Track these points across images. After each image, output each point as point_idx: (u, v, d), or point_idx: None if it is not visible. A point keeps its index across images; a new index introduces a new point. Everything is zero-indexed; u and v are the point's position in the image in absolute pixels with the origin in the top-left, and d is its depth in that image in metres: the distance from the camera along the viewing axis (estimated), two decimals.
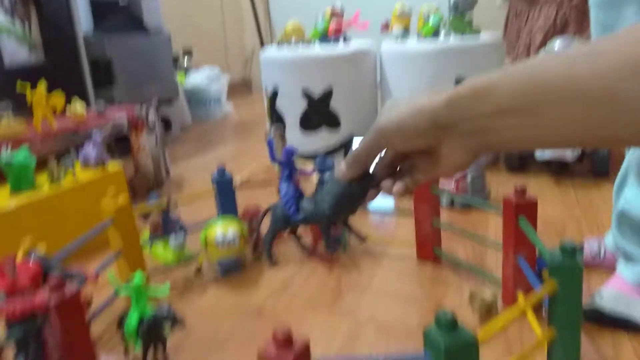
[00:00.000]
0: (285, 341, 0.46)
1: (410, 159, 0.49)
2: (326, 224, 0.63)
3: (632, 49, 0.33)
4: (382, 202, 1.39)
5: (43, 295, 0.58)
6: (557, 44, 1.47)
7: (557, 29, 2.18)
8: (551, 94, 0.36)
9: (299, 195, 0.67)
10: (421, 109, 0.43)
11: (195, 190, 1.05)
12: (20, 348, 0.64)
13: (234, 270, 1.03)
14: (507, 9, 2.60)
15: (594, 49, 0.36)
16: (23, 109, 1.28)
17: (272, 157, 0.67)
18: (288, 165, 0.67)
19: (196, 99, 2.73)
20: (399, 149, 0.47)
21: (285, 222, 0.87)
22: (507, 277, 0.85)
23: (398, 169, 0.52)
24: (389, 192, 0.50)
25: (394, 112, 0.45)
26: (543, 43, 2.14)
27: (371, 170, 0.52)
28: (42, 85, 1.25)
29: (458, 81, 1.52)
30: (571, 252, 0.60)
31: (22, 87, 1.22)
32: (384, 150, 0.50)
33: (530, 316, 0.76)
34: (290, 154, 0.66)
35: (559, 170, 1.49)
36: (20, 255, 0.69)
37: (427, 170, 0.47)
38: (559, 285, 0.60)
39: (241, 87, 3.76)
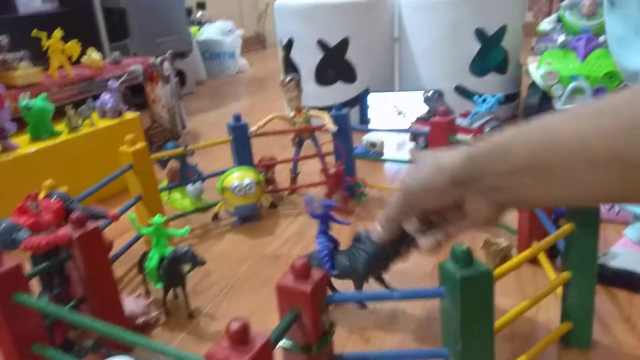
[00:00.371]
0: (302, 272, 0.47)
1: (442, 212, 0.50)
2: (359, 281, 0.66)
3: (634, 111, 0.32)
4: (398, 154, 1.39)
5: (66, 230, 0.60)
6: None
7: None
8: (560, 154, 0.36)
9: (334, 246, 0.69)
10: (442, 167, 0.44)
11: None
12: (44, 282, 0.66)
13: (250, 218, 1.05)
14: None
15: (600, 108, 0.35)
16: (39, 57, 1.28)
17: (311, 213, 0.68)
18: (326, 219, 0.68)
19: (210, 53, 2.71)
20: (428, 207, 0.48)
21: None
22: (523, 226, 0.85)
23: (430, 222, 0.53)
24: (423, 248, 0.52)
25: (420, 172, 0.47)
26: None
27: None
28: (58, 33, 1.25)
29: (478, 33, 1.48)
30: None
31: (38, 34, 1.22)
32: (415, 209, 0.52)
33: (544, 260, 0.77)
34: (328, 208, 0.67)
35: None
36: (42, 194, 0.70)
37: (459, 224, 0.48)
38: (576, 227, 0.60)
39: (255, 43, 3.71)
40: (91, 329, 0.48)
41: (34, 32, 1.20)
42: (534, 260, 0.79)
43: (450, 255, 0.48)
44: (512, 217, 0.93)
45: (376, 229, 0.53)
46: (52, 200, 0.69)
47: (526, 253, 0.59)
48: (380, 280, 0.69)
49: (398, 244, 0.56)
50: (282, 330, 0.45)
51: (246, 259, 0.92)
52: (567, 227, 0.61)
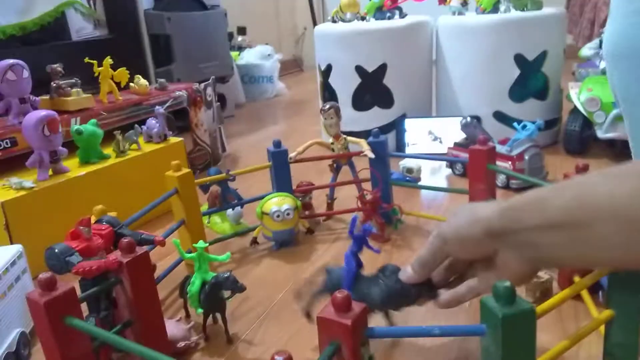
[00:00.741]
0: (343, 305, 0.48)
1: (472, 266, 0.51)
2: (372, 309, 0.65)
3: None
4: (434, 180, 1.38)
5: (116, 255, 0.63)
6: None
7: None
8: (594, 212, 0.36)
9: (359, 269, 0.69)
10: (478, 218, 0.45)
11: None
12: (92, 306, 0.69)
13: (287, 243, 1.06)
14: None
15: (629, 170, 0.36)
16: (89, 82, 1.34)
17: (351, 231, 0.69)
18: (360, 242, 0.69)
19: (249, 76, 2.77)
20: (460, 257, 0.49)
21: (335, 290, 0.90)
22: None
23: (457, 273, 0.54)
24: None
25: (454, 222, 0.47)
26: None
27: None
28: (108, 61, 1.31)
29: (517, 58, 1.47)
30: None
31: (90, 62, 1.28)
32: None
33: (586, 296, 0.75)
34: (367, 232, 0.68)
35: (622, 150, 1.43)
36: (93, 219, 0.74)
37: (487, 279, 0.48)
38: None
39: (292, 66, 3.78)
40: (136, 354, 0.50)
41: (86, 59, 1.27)
42: (575, 295, 0.77)
43: (493, 292, 0.48)
44: None
45: (407, 270, 0.54)
46: (103, 225, 0.72)
47: (569, 290, 0.58)
48: (387, 316, 0.69)
49: (420, 290, 0.56)
50: None
51: (283, 284, 0.93)
52: None
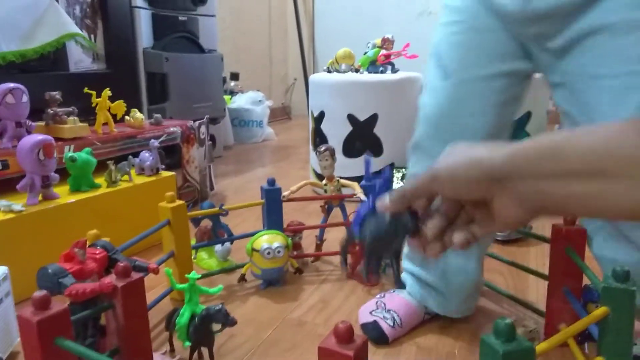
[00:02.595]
0: (346, 336, 0.48)
1: (466, 211, 0.47)
2: (368, 253, 0.63)
3: None
4: None
5: (111, 279, 0.62)
6: None
7: None
8: (624, 162, 0.35)
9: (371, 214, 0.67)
10: (478, 159, 0.42)
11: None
12: (78, 331, 0.67)
13: (275, 282, 1.05)
14: None
15: None
16: (84, 113, 1.35)
17: (367, 175, 0.69)
18: (368, 166, 0.67)
19: (239, 120, 2.81)
20: (450, 196, 0.46)
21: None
22: (551, 309, 0.84)
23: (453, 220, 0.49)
24: (450, 244, 0.48)
25: (449, 160, 0.44)
26: None
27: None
28: (106, 93, 1.32)
29: None
30: (624, 277, 0.60)
31: (89, 92, 1.29)
32: (439, 197, 0.49)
33: (573, 345, 0.76)
34: (368, 159, 0.66)
35: None
36: (88, 242, 0.73)
37: (485, 224, 0.46)
38: (611, 310, 0.60)
39: (281, 113, 3.85)
40: None
41: (86, 90, 1.28)
42: (562, 345, 0.78)
43: (493, 330, 0.49)
44: (540, 299, 0.93)
45: (384, 199, 0.50)
46: (97, 249, 0.71)
47: (559, 336, 0.59)
48: (395, 261, 0.64)
49: (404, 222, 0.51)
50: None
51: (271, 323, 0.92)
52: (601, 311, 0.61)
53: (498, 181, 0.41)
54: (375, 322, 0.85)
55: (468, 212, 0.48)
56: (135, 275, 0.63)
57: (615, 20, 0.62)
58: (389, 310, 0.86)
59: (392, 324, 0.84)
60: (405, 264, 0.92)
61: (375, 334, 0.84)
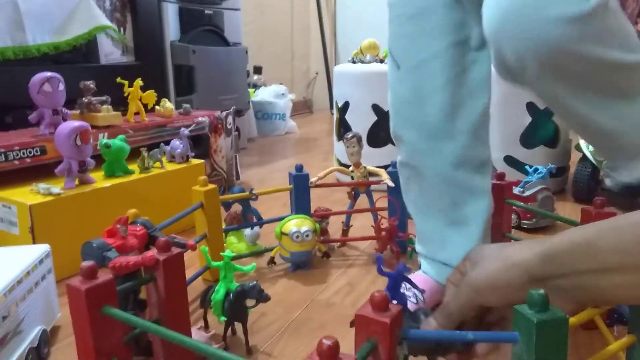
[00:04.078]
0: (382, 304, 0.50)
1: (502, 314, 0.48)
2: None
3: None
4: None
5: (153, 252, 0.64)
6: None
7: None
8: None
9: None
10: (515, 263, 0.42)
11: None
12: (120, 303, 0.70)
13: (303, 265, 1.07)
14: None
15: None
16: (115, 103, 1.38)
17: (380, 270, 0.69)
18: (396, 282, 0.68)
19: (263, 113, 2.84)
20: (494, 304, 0.46)
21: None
22: None
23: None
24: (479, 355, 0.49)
25: (485, 268, 0.44)
26: None
27: None
28: (138, 82, 1.36)
29: (529, 106, 1.53)
30: None
31: (122, 82, 1.33)
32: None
33: (603, 326, 0.76)
34: (401, 271, 0.67)
35: (630, 200, 1.46)
36: (129, 220, 0.76)
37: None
38: None
39: (303, 107, 3.87)
40: (180, 344, 0.51)
41: (118, 79, 1.32)
42: (590, 328, 0.78)
43: (527, 300, 0.50)
44: None
45: (430, 323, 0.51)
46: (137, 226, 0.74)
47: (587, 312, 0.59)
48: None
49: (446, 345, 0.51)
50: (362, 357, 0.47)
51: (300, 304, 0.94)
52: None
53: (540, 282, 0.42)
54: (402, 300, 0.86)
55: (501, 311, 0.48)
56: (175, 250, 0.66)
57: None
58: (410, 288, 0.87)
59: (415, 301, 0.85)
60: (417, 247, 0.93)
61: None
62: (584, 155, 1.47)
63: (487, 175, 0.86)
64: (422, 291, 0.82)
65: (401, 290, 0.68)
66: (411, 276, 0.93)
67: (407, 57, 0.78)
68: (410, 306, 0.83)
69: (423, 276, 0.91)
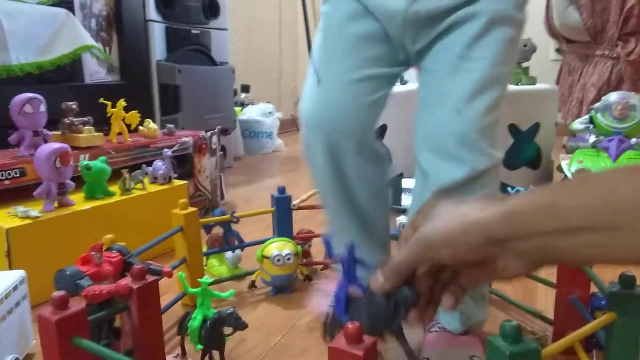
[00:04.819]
0: (355, 336, 0.49)
1: (455, 268, 0.47)
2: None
3: None
4: None
5: (127, 281, 0.63)
6: (613, 97, 1.49)
7: (611, 85, 2.19)
8: (622, 213, 0.36)
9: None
10: (473, 222, 0.41)
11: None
12: (93, 332, 0.69)
13: (285, 289, 1.07)
14: (560, 64, 2.63)
15: None
16: (98, 123, 1.38)
17: (330, 254, 0.68)
18: (348, 266, 0.67)
19: (250, 131, 2.85)
20: (447, 262, 0.44)
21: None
22: (559, 317, 0.85)
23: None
24: (439, 306, 0.48)
25: (441, 223, 0.43)
26: (597, 99, 2.16)
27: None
28: (121, 103, 1.36)
29: (511, 128, 1.55)
30: (630, 282, 0.61)
31: (105, 102, 1.33)
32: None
33: (580, 351, 0.76)
34: (352, 254, 0.66)
35: None
36: (104, 246, 0.75)
37: (476, 279, 0.46)
38: (618, 316, 0.61)
39: (290, 125, 3.88)
40: None
41: (101, 100, 1.31)
42: (569, 353, 0.78)
43: (500, 332, 0.50)
44: (548, 307, 0.94)
45: (377, 278, 0.48)
46: (113, 253, 0.73)
47: (565, 340, 0.59)
48: (400, 337, 0.60)
49: (402, 299, 0.48)
50: None
51: (281, 329, 0.93)
52: (607, 317, 0.62)
53: (499, 242, 0.40)
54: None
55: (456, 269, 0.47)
56: (149, 278, 0.65)
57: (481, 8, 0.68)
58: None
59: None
60: None
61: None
62: (566, 177, 1.48)
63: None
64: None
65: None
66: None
67: (331, 75, 0.76)
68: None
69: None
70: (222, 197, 1.72)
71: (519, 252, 0.40)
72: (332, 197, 0.82)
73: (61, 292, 0.56)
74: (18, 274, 0.81)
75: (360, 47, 0.74)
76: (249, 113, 2.86)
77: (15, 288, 0.78)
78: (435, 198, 0.47)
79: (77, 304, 0.58)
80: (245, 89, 3.04)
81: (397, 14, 0.70)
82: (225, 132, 2.30)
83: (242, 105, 2.94)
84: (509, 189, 1.37)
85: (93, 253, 0.69)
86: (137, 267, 0.64)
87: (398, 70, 0.78)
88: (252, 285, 1.08)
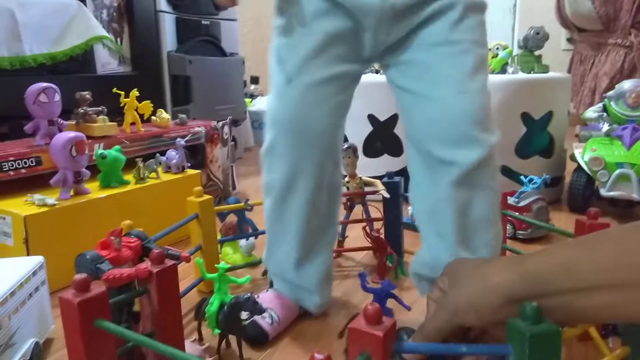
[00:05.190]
0: (375, 318, 0.50)
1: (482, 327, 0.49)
2: None
3: None
4: None
5: (147, 265, 0.64)
6: (627, 84, 1.47)
7: (624, 74, 2.17)
8: (634, 273, 0.37)
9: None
10: (493, 285, 0.43)
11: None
12: (114, 316, 0.70)
13: None
14: (572, 53, 2.61)
15: None
16: (111, 113, 1.39)
17: (364, 287, 0.69)
18: (379, 298, 0.68)
19: (259, 122, 2.85)
20: (474, 325, 0.47)
21: None
22: None
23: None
24: None
25: (463, 289, 0.45)
26: (609, 88, 2.14)
27: None
28: (134, 93, 1.36)
29: (524, 116, 1.54)
30: None
31: (118, 92, 1.34)
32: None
33: (598, 338, 0.76)
34: (386, 288, 0.67)
35: (624, 210, 1.47)
36: (123, 232, 0.75)
37: (502, 337, 0.47)
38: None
39: None
40: (172, 358, 0.51)
41: (114, 90, 1.32)
42: (585, 338, 0.78)
43: (519, 314, 0.50)
44: None
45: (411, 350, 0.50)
46: (131, 238, 0.74)
47: (577, 329, 0.59)
48: None
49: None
50: None
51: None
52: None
53: (520, 302, 0.42)
54: (253, 321, 0.83)
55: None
56: (168, 262, 0.66)
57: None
58: (266, 309, 0.84)
59: (270, 322, 0.84)
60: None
61: (255, 333, 0.82)
62: (579, 166, 1.48)
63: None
64: (407, 308, 0.81)
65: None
66: (261, 295, 0.90)
67: (302, 74, 0.73)
68: (266, 327, 0.82)
69: (274, 294, 0.89)
70: (234, 187, 1.73)
71: (545, 309, 0.42)
72: (277, 211, 0.81)
73: (83, 275, 0.57)
74: (37, 259, 0.82)
75: (330, 44, 0.72)
76: (259, 104, 2.86)
77: (34, 273, 0.79)
78: (457, 259, 0.50)
79: (98, 287, 0.58)
80: (255, 80, 3.04)
81: (373, 8, 0.68)
82: (235, 123, 2.31)
83: (252, 96, 2.94)
84: (522, 177, 1.37)
85: (112, 238, 0.70)
86: (156, 251, 0.65)
87: (363, 68, 0.78)
88: (266, 272, 1.08)
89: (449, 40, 0.69)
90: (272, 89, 0.78)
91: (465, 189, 0.72)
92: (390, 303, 0.77)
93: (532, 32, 1.61)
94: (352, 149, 1.11)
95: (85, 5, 1.65)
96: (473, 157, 0.69)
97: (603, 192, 1.41)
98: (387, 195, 1.07)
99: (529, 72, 1.58)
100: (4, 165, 1.07)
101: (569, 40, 2.79)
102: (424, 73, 0.71)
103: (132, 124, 1.39)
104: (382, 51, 0.74)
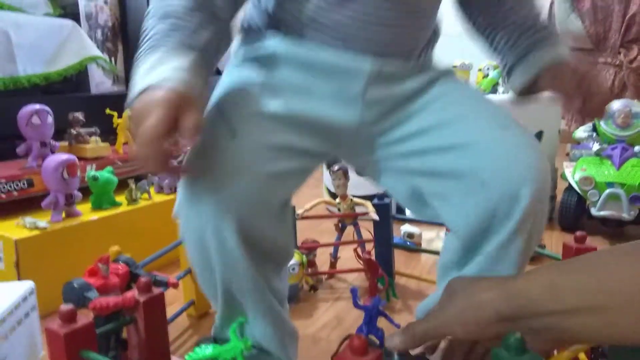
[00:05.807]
0: (360, 349, 0.50)
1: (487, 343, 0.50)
2: None
3: None
4: (433, 245, 1.41)
5: (133, 293, 0.64)
6: (616, 105, 1.49)
7: (614, 93, 2.19)
8: (615, 296, 0.38)
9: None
10: (482, 301, 0.44)
11: None
12: (101, 345, 0.69)
13: (290, 299, 1.07)
14: None
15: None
16: (104, 133, 1.39)
17: (356, 303, 0.69)
18: (371, 315, 0.68)
19: None
20: (462, 338, 0.48)
21: None
22: None
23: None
24: None
25: (454, 303, 0.46)
26: None
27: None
28: (127, 113, 1.37)
29: None
30: None
31: (111, 113, 1.34)
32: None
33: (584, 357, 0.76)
34: (376, 304, 0.68)
35: (615, 229, 1.47)
36: (110, 258, 0.76)
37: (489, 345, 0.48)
38: None
39: None
40: None
41: (107, 111, 1.33)
42: None
43: (503, 344, 0.50)
44: None
45: (393, 339, 0.51)
46: (119, 264, 0.74)
47: (569, 351, 0.60)
48: None
49: None
50: None
51: None
52: None
53: (509, 321, 0.43)
54: None
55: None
56: (156, 290, 0.66)
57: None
58: None
59: None
60: None
61: None
62: (570, 185, 1.49)
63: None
64: (398, 326, 0.81)
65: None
66: None
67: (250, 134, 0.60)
68: None
69: None
70: None
71: (531, 330, 0.43)
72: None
73: (69, 306, 0.57)
74: (27, 285, 0.82)
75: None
76: None
77: (24, 299, 0.79)
78: (456, 277, 0.50)
79: (84, 317, 0.58)
80: None
81: (349, 127, 0.63)
82: None
83: None
84: None
85: (100, 265, 0.70)
86: (143, 279, 0.65)
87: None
88: None
89: (448, 106, 0.64)
90: (206, 134, 0.57)
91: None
92: (381, 323, 0.77)
93: None
94: (343, 171, 1.12)
95: (80, 25, 1.66)
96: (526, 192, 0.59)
97: (594, 211, 1.42)
98: (376, 217, 1.08)
99: None
100: None
101: None
102: (443, 138, 0.62)
103: (125, 143, 1.40)
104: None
